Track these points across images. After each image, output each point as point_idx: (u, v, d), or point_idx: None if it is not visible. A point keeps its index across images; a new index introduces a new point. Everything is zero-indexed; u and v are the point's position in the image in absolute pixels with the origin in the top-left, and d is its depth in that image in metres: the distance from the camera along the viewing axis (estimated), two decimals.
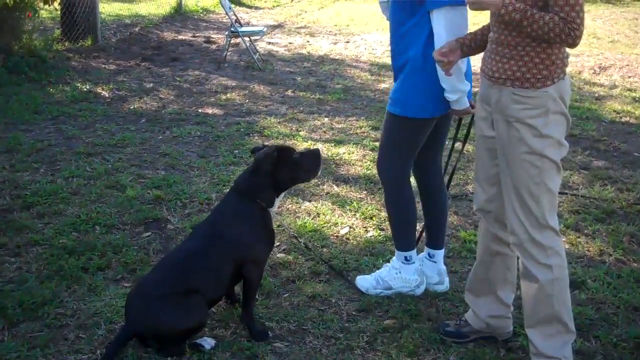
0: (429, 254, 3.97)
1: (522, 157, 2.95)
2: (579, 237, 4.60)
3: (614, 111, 8.01)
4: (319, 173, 3.65)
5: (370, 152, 6.25)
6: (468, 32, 3.35)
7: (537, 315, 3.08)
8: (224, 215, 3.42)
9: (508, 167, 3.01)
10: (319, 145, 6.46)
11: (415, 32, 3.45)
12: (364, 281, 3.91)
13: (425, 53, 3.41)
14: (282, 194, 3.55)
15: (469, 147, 6.46)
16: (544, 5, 2.79)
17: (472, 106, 3.54)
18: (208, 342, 3.30)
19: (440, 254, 3.97)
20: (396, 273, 3.84)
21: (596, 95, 8.79)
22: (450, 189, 5.41)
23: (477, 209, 3.34)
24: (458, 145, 4.03)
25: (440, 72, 3.36)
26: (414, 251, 3.86)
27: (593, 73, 10.07)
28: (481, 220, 3.37)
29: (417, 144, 3.66)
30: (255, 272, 3.40)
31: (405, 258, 3.83)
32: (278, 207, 4.95)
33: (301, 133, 6.90)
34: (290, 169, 3.46)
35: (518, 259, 3.34)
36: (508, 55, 2.93)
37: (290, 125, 7.21)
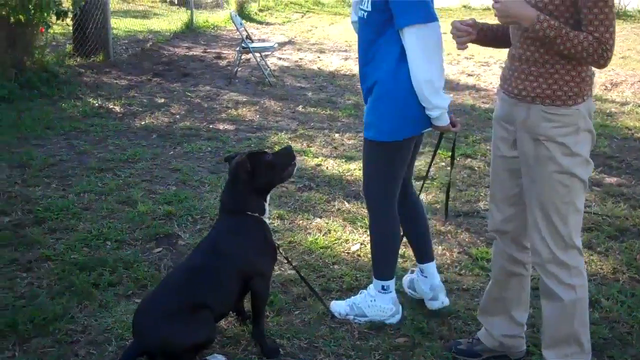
0: (420, 270, 3.88)
1: (551, 176, 2.89)
2: (592, 255, 4.57)
3: (626, 128, 7.97)
4: (295, 170, 3.58)
5: None
6: (442, 47, 3.31)
7: (557, 335, 3.05)
8: (222, 233, 3.39)
9: (534, 187, 2.95)
10: (330, 162, 6.46)
11: (385, 51, 3.36)
12: (338, 307, 3.82)
13: (395, 74, 3.33)
14: (268, 198, 3.50)
15: (479, 163, 6.45)
16: (575, 23, 2.75)
17: (452, 122, 3.50)
18: (219, 359, 3.28)
19: (431, 266, 3.87)
20: (371, 301, 3.74)
21: (608, 111, 8.76)
22: (461, 205, 5.42)
23: (492, 229, 3.29)
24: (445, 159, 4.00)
25: (421, 90, 3.27)
26: (392, 281, 3.75)
27: (605, 89, 10.04)
28: (496, 241, 3.32)
29: (398, 168, 3.54)
30: (262, 285, 3.38)
31: (383, 287, 3.72)
32: (289, 223, 4.97)
33: (312, 149, 6.90)
34: (265, 172, 3.41)
35: (532, 278, 3.32)
36: (536, 73, 2.87)
37: (301, 141, 7.22)
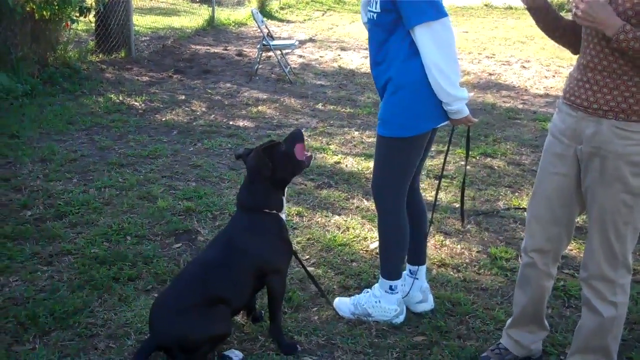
0: (410, 271, 3.85)
1: (616, 195, 2.77)
2: (632, 271, 4.53)
3: None
4: (311, 159, 3.52)
5: None
6: (455, 42, 3.26)
7: (588, 345, 3.02)
8: (238, 229, 3.37)
9: (595, 204, 2.84)
10: (350, 159, 6.46)
11: (395, 50, 3.35)
12: (342, 304, 3.80)
13: (406, 70, 3.33)
14: (286, 192, 3.47)
15: (499, 162, 6.43)
16: None
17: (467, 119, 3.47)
18: (236, 355, 3.29)
19: (423, 270, 3.86)
20: (375, 302, 3.71)
21: None
22: (481, 205, 5.40)
23: (533, 249, 3.14)
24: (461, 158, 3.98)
25: (438, 83, 3.24)
26: (399, 281, 3.73)
27: None
28: (529, 262, 3.18)
29: (409, 165, 3.52)
30: (278, 283, 3.37)
31: (390, 287, 3.69)
32: (308, 221, 4.98)
33: (331, 147, 6.91)
34: (284, 163, 3.36)
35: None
36: (611, 85, 2.72)
37: (320, 138, 7.23)
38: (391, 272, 3.70)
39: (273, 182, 3.36)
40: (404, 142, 3.44)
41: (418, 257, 3.83)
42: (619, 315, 2.95)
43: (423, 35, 3.22)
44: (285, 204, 3.47)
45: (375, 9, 3.36)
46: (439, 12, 3.21)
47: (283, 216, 3.44)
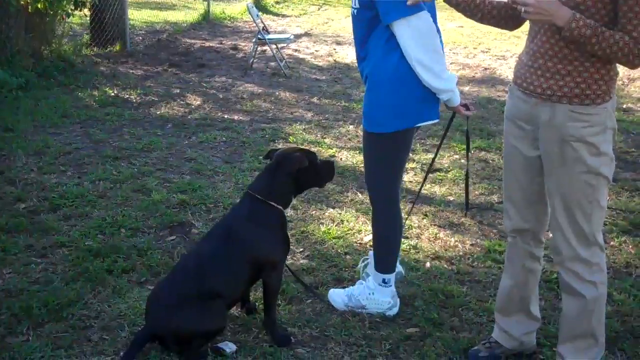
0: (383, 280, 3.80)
1: (578, 176, 2.82)
2: (605, 249, 4.52)
3: None
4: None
5: None
6: (436, 33, 3.27)
7: (575, 331, 3.04)
8: (239, 218, 3.39)
9: (559, 187, 2.88)
10: (344, 153, 6.47)
11: (374, 46, 3.37)
12: (336, 295, 3.80)
13: (382, 66, 3.34)
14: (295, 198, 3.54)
15: (494, 156, 6.44)
16: (609, 21, 2.66)
17: (466, 106, 3.50)
18: (229, 347, 3.30)
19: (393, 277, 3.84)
20: (369, 294, 3.72)
21: (624, 107, 8.71)
22: (475, 198, 5.41)
23: (511, 229, 3.20)
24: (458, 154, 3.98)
25: (421, 76, 3.26)
26: (393, 275, 3.73)
27: (621, 84, 9.97)
28: (513, 241, 3.24)
29: (396, 160, 3.53)
30: (274, 276, 3.38)
31: (384, 280, 3.70)
32: (302, 214, 4.98)
33: (326, 140, 6.91)
34: (311, 174, 3.44)
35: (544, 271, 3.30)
36: (563, 71, 2.77)
37: (315, 132, 7.23)
38: (385, 265, 3.70)
39: (295, 183, 3.42)
40: (386, 137, 3.44)
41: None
42: (601, 295, 2.98)
43: (401, 31, 3.23)
44: (291, 205, 3.50)
45: (356, 5, 3.38)
46: (415, 7, 3.18)
47: (285, 213, 3.45)
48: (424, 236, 4.69)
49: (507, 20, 3.12)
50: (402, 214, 3.75)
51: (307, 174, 3.41)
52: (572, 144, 2.80)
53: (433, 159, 4.06)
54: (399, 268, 3.91)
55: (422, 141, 6.85)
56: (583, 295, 2.96)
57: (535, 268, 3.26)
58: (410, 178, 5.78)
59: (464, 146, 6.01)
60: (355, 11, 3.40)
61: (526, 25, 3.11)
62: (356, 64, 3.64)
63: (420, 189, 4.22)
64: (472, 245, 4.60)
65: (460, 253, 4.48)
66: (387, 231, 3.67)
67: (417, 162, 6.19)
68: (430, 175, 5.83)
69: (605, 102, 2.78)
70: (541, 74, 2.84)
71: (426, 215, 5.06)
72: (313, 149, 6.44)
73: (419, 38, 3.23)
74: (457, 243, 4.62)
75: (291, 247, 3.75)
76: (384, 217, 3.66)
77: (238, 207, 3.50)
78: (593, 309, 2.98)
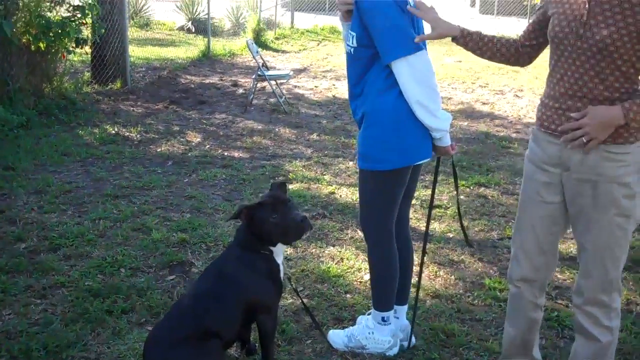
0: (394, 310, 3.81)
1: (611, 220, 2.77)
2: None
3: None
4: (307, 234, 3.44)
5: None
6: (433, 72, 3.32)
7: None
8: (230, 260, 3.36)
9: (589, 232, 2.83)
10: (344, 190, 6.48)
11: (371, 83, 3.38)
12: (336, 336, 3.79)
13: (380, 104, 3.35)
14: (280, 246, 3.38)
15: (493, 192, 6.45)
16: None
17: (451, 146, 3.49)
18: None
19: (404, 309, 3.86)
20: (369, 333, 3.70)
21: None
22: (475, 235, 5.41)
23: (519, 278, 3.14)
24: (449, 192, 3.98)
25: (417, 114, 3.28)
26: (392, 312, 3.72)
27: None
28: (516, 293, 3.18)
29: (392, 197, 3.53)
30: (268, 320, 3.34)
31: (383, 319, 3.68)
32: (302, 252, 4.98)
33: (326, 177, 6.93)
34: (267, 229, 3.27)
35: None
36: None
37: (315, 168, 7.25)
38: (383, 303, 3.69)
39: (252, 233, 3.32)
40: (383, 175, 3.45)
41: (400, 295, 3.80)
42: (615, 339, 2.97)
43: (401, 70, 3.26)
44: (280, 252, 3.39)
45: (353, 43, 3.40)
46: (415, 46, 3.24)
47: (279, 259, 3.38)
48: (424, 274, 4.69)
49: (519, 57, 3.15)
50: (414, 257, 3.76)
51: (262, 228, 3.27)
52: (606, 186, 2.76)
53: (431, 201, 3.96)
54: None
55: (421, 177, 6.86)
56: (598, 340, 2.94)
57: (539, 316, 3.23)
58: (410, 214, 5.78)
59: (462, 182, 6.03)
60: (352, 50, 3.42)
61: (537, 61, 3.14)
62: None
63: (426, 235, 4.01)
64: (472, 283, 4.59)
65: (461, 291, 4.48)
66: (384, 268, 3.66)
67: (416, 199, 6.20)
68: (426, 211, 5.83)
69: (638, 141, 2.74)
70: (568, 115, 2.81)
71: (426, 252, 5.04)
72: (313, 186, 6.46)
73: (418, 78, 3.26)
74: (457, 281, 4.62)
75: (292, 285, 3.74)
76: (378, 254, 3.65)
77: (229, 249, 3.48)
78: (606, 353, 2.96)
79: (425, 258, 4.91)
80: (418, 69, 3.26)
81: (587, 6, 2.72)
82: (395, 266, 3.68)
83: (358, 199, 3.72)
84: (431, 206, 3.83)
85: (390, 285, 3.69)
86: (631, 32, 2.63)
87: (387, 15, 3.22)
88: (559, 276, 4.67)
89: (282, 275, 3.40)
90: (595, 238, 2.84)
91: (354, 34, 3.37)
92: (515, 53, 3.15)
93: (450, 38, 3.22)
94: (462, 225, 3.94)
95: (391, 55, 3.25)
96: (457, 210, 3.85)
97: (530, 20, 3.13)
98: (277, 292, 3.42)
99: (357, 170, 6.40)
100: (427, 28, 3.36)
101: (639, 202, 2.78)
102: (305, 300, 4.23)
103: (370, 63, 3.38)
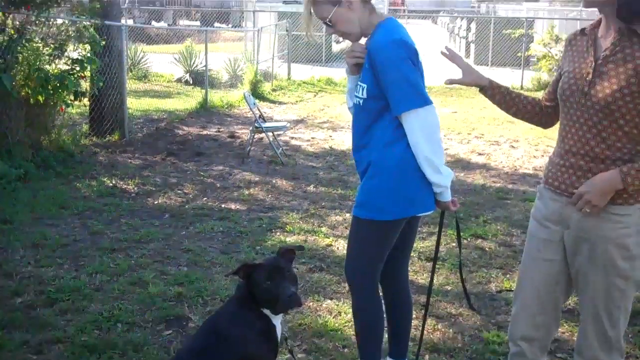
0: None
1: (607, 280, 2.78)
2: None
3: None
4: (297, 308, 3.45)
5: None
6: (439, 125, 3.37)
7: None
8: (226, 315, 3.33)
9: (587, 291, 2.84)
10: (341, 242, 6.48)
11: (379, 134, 3.41)
12: None
13: (387, 154, 3.39)
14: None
15: (490, 244, 6.46)
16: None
17: (453, 202, 3.51)
18: None
19: None
20: None
21: None
22: (472, 287, 5.40)
23: (520, 337, 3.10)
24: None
25: (424, 168, 3.32)
26: None
27: None
28: (517, 352, 3.13)
29: (384, 248, 3.53)
30: None
31: None
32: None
33: (322, 229, 6.93)
34: (258, 293, 3.23)
35: None
36: (595, 170, 2.75)
37: (312, 221, 7.26)
38: (371, 357, 3.65)
39: (250, 292, 3.27)
40: (382, 225, 3.46)
41: (399, 349, 3.79)
42: None
43: (411, 122, 3.30)
44: (278, 319, 3.32)
45: (362, 94, 3.44)
46: (426, 100, 3.30)
47: (276, 319, 3.31)
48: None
49: (542, 117, 3.19)
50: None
51: (255, 290, 3.23)
52: (603, 247, 2.75)
53: (435, 255, 3.93)
54: None
55: (419, 229, 6.85)
56: None
57: None
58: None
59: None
60: (362, 101, 3.45)
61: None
62: (351, 151, 3.68)
63: (430, 290, 3.98)
64: (470, 336, 4.58)
65: (459, 345, 4.45)
66: (369, 318, 3.62)
67: (414, 251, 6.19)
68: (426, 264, 5.84)
69: (638, 202, 2.74)
70: (572, 172, 2.83)
71: (424, 306, 5.03)
72: (310, 238, 6.46)
73: (426, 131, 3.31)
74: (455, 335, 4.60)
75: (288, 347, 3.72)
76: (365, 304, 3.61)
77: (227, 302, 3.45)
78: None
79: (423, 311, 4.90)
80: (427, 122, 3.32)
81: (593, 65, 2.76)
82: (382, 317, 3.65)
83: (347, 247, 3.71)
84: (435, 260, 3.84)
85: (375, 335, 3.64)
86: (634, 92, 2.65)
87: (400, 69, 3.28)
88: None
89: (279, 335, 3.37)
90: (592, 298, 2.84)
91: (364, 85, 3.41)
92: (539, 112, 3.17)
93: (465, 87, 3.24)
94: (464, 288, 3.93)
95: (402, 107, 3.30)
96: (459, 269, 3.85)
97: (551, 81, 3.17)
98: (273, 351, 3.37)
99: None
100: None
101: (637, 265, 2.77)
102: (302, 356, 4.21)
103: (379, 115, 3.41)
